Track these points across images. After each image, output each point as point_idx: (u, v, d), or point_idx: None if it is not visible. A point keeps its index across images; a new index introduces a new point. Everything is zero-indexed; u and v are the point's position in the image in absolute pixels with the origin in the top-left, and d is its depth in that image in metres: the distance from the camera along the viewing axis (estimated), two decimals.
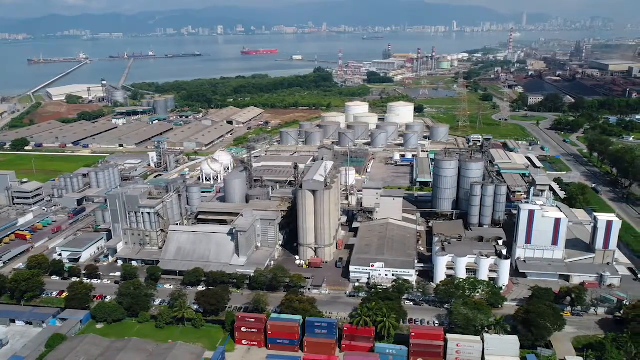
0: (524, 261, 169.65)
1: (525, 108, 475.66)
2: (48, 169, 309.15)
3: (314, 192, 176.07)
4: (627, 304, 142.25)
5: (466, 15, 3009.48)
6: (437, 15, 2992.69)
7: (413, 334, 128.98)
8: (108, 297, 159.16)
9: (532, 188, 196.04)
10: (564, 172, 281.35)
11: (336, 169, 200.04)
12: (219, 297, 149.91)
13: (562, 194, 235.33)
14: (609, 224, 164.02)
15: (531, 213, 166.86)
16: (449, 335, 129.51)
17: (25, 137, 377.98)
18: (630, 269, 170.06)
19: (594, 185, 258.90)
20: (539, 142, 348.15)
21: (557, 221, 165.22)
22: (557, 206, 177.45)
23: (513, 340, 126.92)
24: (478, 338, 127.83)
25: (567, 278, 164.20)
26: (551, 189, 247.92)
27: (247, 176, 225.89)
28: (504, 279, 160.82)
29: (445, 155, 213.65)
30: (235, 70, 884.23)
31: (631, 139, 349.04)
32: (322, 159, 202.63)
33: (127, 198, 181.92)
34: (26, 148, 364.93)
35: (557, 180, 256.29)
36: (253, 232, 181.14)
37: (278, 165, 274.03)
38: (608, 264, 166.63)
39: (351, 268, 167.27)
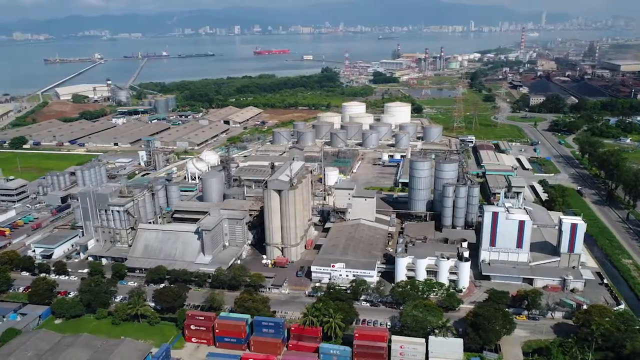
0: (489, 264, 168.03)
1: (526, 109, 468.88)
2: (42, 167, 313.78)
3: (279, 191, 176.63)
4: (586, 308, 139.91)
5: (484, 15, 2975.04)
6: (455, 15, 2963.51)
7: (357, 335, 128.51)
8: (72, 293, 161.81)
9: (504, 190, 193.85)
10: (552, 174, 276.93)
11: (306, 168, 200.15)
12: (176, 295, 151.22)
13: (545, 196, 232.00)
14: (574, 227, 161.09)
15: (495, 215, 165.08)
16: (393, 337, 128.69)
17: (24, 136, 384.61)
18: (597, 273, 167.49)
19: (579, 187, 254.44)
20: (539, 143, 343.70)
21: (522, 223, 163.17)
22: (524, 208, 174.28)
23: (457, 343, 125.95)
24: (422, 340, 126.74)
25: (531, 281, 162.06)
26: (535, 191, 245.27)
27: (225, 175, 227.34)
28: (464, 281, 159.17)
29: (421, 156, 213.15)
30: (245, 70, 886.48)
31: (628, 140, 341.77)
32: (293, 159, 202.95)
33: (97, 196, 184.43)
34: (24, 146, 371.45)
35: (542, 182, 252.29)
36: (220, 231, 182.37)
37: (264, 165, 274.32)
38: (573, 267, 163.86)
39: (313, 268, 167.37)
